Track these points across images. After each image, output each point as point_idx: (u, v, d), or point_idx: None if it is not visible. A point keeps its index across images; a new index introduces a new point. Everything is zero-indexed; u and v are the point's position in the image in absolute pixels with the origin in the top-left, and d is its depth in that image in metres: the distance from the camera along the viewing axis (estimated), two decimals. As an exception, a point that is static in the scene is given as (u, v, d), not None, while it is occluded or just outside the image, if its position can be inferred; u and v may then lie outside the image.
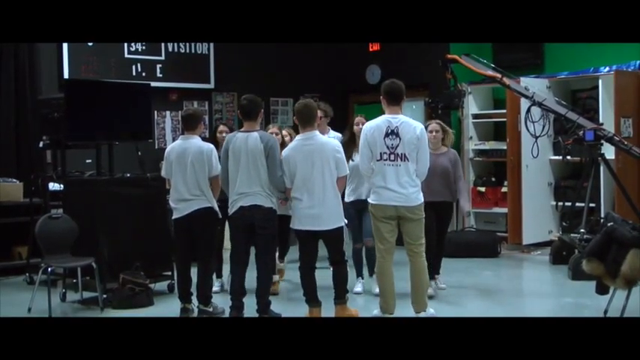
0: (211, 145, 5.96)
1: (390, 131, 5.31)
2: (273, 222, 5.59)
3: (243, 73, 10.22)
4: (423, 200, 5.43)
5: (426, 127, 6.07)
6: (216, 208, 5.91)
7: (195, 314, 5.91)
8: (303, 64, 10.61)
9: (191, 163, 5.78)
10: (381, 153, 5.32)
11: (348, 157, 5.92)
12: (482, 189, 9.27)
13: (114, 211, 6.70)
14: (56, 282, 6.75)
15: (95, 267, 6.28)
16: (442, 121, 6.86)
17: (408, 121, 5.41)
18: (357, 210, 6.30)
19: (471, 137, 9.34)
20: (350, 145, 6.24)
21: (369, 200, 5.49)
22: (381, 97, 5.50)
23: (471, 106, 9.28)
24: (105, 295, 6.39)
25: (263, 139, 5.49)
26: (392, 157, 5.31)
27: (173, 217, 5.95)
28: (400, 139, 5.28)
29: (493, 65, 8.00)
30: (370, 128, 5.41)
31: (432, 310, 5.54)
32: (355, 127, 6.32)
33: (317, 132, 5.58)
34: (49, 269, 6.19)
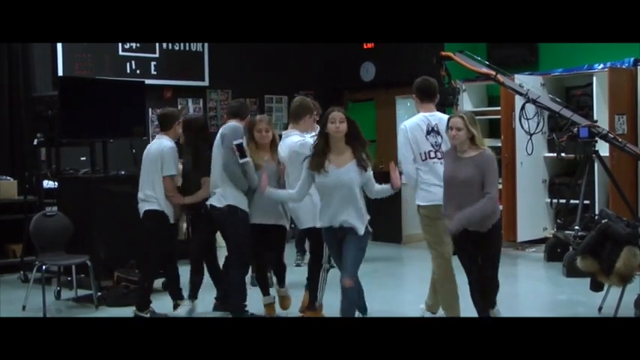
0: (170, 144, 5.76)
1: (430, 129, 5.15)
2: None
3: (237, 70, 10.20)
4: None
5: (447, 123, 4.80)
6: (167, 212, 5.72)
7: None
8: (297, 61, 10.60)
9: (148, 163, 5.75)
10: (426, 152, 5.12)
11: (320, 166, 4.66)
12: (477, 186, 9.27)
13: (108, 208, 6.69)
14: (51, 280, 6.75)
15: (90, 265, 6.28)
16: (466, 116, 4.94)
17: (445, 118, 5.17)
18: (337, 239, 4.81)
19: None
20: (323, 150, 4.71)
21: (419, 202, 5.18)
22: (414, 95, 5.33)
23: (466, 103, 9.30)
24: (99, 293, 6.39)
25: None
26: (438, 154, 5.11)
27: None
28: (441, 136, 5.12)
29: (487, 62, 8.01)
30: (409, 127, 5.17)
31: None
32: (331, 126, 4.64)
33: (294, 130, 5.65)
34: (44, 267, 6.18)
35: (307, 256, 6.46)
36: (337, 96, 11.06)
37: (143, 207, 5.73)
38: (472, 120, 4.68)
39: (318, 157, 4.69)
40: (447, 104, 8.47)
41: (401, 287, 7.30)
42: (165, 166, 5.64)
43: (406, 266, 8.62)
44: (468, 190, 4.62)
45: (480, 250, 4.75)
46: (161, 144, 5.73)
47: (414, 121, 5.22)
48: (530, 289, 7.07)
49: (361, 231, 4.69)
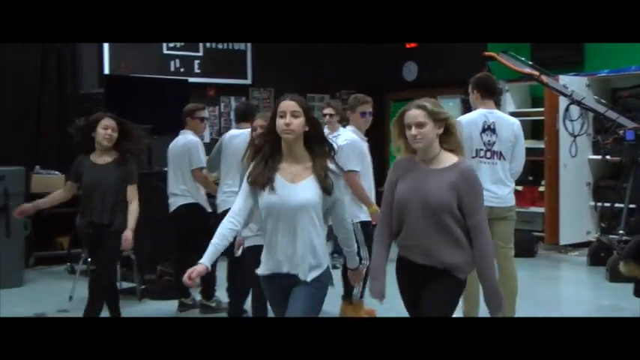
0: (195, 139, 6.01)
1: (486, 127, 5.02)
2: None
3: (280, 68, 10.26)
4: (515, 201, 5.15)
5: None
6: (202, 203, 5.96)
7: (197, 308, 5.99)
8: (339, 59, 10.62)
9: (176, 158, 6.00)
10: (477, 150, 5.01)
11: (265, 179, 3.33)
12: (520, 188, 9.17)
13: (152, 203, 6.79)
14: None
15: (133, 258, 6.39)
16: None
17: (505, 117, 5.13)
18: (282, 289, 3.39)
19: (508, 136, 9.25)
20: (270, 156, 3.39)
21: None
22: (473, 90, 5.20)
23: (509, 104, 9.21)
24: (143, 286, 6.49)
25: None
26: (488, 154, 5.01)
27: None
28: (497, 135, 5.00)
29: (531, 63, 7.93)
30: (466, 122, 5.01)
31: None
32: (279, 122, 3.32)
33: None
34: (89, 259, 6.31)
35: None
36: (379, 95, 11.05)
37: (177, 202, 5.90)
38: (438, 107, 3.34)
39: (262, 165, 3.33)
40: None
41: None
42: (194, 159, 5.85)
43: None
44: (435, 222, 3.25)
45: (427, 294, 3.36)
46: (186, 139, 5.97)
47: (472, 117, 5.12)
48: (573, 294, 6.99)
49: (315, 277, 3.29)
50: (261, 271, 3.38)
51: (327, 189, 3.28)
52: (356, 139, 5.52)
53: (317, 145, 3.36)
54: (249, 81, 10.24)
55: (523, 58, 7.97)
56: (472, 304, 5.15)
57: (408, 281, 3.43)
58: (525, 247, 8.30)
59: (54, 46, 8.46)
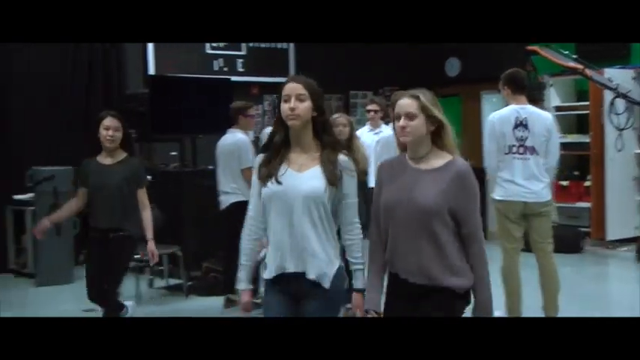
0: (244, 137, 6.05)
1: (519, 122, 5.02)
2: None
3: (323, 66, 10.28)
4: (551, 196, 5.11)
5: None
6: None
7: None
8: (382, 56, 10.62)
9: (225, 157, 6.04)
10: (509, 146, 5.02)
11: (271, 172, 3.08)
12: (565, 183, 9.09)
13: (197, 201, 6.90)
14: (144, 269, 7.02)
15: (180, 255, 6.50)
16: None
17: (537, 112, 5.12)
18: (291, 297, 3.08)
19: (553, 130, 9.15)
20: (280, 147, 3.12)
21: (494, 196, 5.16)
22: (504, 87, 5.19)
23: (553, 98, 9.11)
24: (189, 283, 6.60)
25: None
26: (521, 149, 5.01)
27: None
28: (529, 130, 5.00)
29: (575, 56, 7.83)
30: (498, 119, 5.08)
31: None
32: (284, 107, 3.02)
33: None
34: (137, 256, 6.44)
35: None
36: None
37: (228, 199, 5.94)
38: (434, 103, 2.97)
39: (270, 157, 3.08)
40: (533, 99, 8.34)
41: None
42: (243, 158, 5.89)
43: (491, 264, 8.51)
44: (423, 228, 2.86)
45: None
46: (235, 137, 6.00)
47: (504, 113, 5.12)
48: (620, 291, 6.88)
49: (327, 284, 2.96)
50: (267, 274, 3.05)
51: (332, 180, 2.94)
52: (392, 135, 5.52)
53: (325, 134, 3.04)
54: (291, 79, 10.29)
55: (567, 52, 7.86)
56: (514, 300, 5.15)
57: (395, 303, 2.99)
58: (571, 243, 8.22)
59: (101, 47, 8.64)
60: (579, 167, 9.12)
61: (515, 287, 5.15)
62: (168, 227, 6.67)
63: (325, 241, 2.97)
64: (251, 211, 3.13)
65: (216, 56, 9.64)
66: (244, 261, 3.11)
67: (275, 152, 3.06)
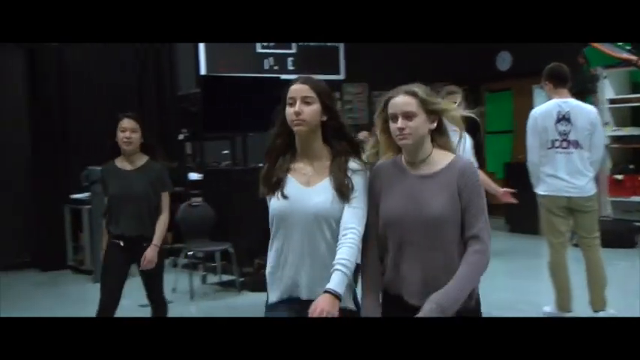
0: None
1: (561, 116, 4.99)
2: None
3: (373, 62, 10.31)
4: (596, 190, 5.07)
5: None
6: None
7: None
8: (432, 51, 10.58)
9: None
10: (552, 140, 5.00)
11: (275, 184, 2.79)
12: (620, 177, 8.92)
13: (249, 199, 6.98)
14: (197, 265, 7.15)
15: (232, 252, 6.61)
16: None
17: (580, 105, 5.07)
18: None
19: (607, 123, 8.98)
20: (284, 154, 2.80)
21: (538, 191, 5.14)
22: (545, 81, 5.17)
23: (607, 90, 8.94)
24: (242, 279, 6.71)
25: None
26: (564, 144, 4.98)
27: None
28: (572, 124, 4.97)
29: (629, 48, 7.69)
30: (540, 114, 5.07)
31: (612, 311, 5.01)
32: (289, 111, 2.72)
33: None
34: (190, 253, 6.58)
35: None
36: (473, 86, 10.95)
37: None
38: (430, 95, 2.63)
39: (273, 166, 2.75)
40: (586, 92, 8.22)
41: (536, 283, 7.17)
42: None
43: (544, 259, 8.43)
44: (435, 239, 2.54)
45: None
46: None
47: (546, 108, 5.10)
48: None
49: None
50: (272, 298, 2.73)
51: (343, 192, 2.61)
52: None
53: (336, 140, 2.69)
54: (342, 76, 10.34)
55: (620, 43, 7.73)
56: (564, 296, 5.11)
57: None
58: (625, 238, 8.09)
59: (152, 47, 8.82)
60: (634, 161, 8.94)
61: (564, 282, 5.11)
62: (221, 224, 6.79)
63: (333, 253, 2.60)
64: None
65: (267, 55, 9.74)
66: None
67: (276, 161, 2.73)
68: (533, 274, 7.35)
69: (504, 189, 5.38)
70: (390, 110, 2.59)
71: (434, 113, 2.59)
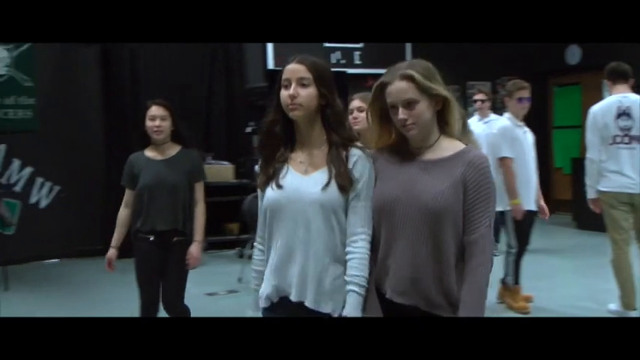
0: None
1: (621, 112, 4.98)
2: None
3: (439, 56, 10.19)
4: None
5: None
6: None
7: None
8: (499, 45, 10.48)
9: None
10: (613, 136, 4.98)
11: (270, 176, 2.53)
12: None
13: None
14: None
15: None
16: None
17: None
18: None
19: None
20: (279, 142, 2.55)
21: (599, 187, 5.10)
22: (606, 79, 5.22)
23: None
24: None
25: None
26: (626, 139, 4.95)
27: None
28: (633, 119, 4.93)
29: None
30: (599, 110, 5.07)
31: None
32: (283, 94, 2.45)
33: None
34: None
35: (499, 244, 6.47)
36: (542, 80, 10.80)
37: None
38: (430, 75, 2.38)
39: (270, 155, 2.51)
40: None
41: (603, 281, 7.06)
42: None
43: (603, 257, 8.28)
44: (427, 233, 2.27)
45: None
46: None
47: (605, 104, 5.08)
48: None
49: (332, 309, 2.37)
50: (263, 302, 2.47)
51: (342, 185, 2.35)
52: (508, 125, 5.50)
53: (335, 126, 2.44)
54: (407, 70, 10.32)
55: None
56: (628, 293, 5.03)
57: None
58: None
59: (222, 45, 9.00)
60: None
61: (628, 279, 5.04)
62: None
63: (337, 261, 2.37)
64: (259, 229, 2.55)
65: (334, 49, 9.81)
66: (254, 285, 2.54)
67: (273, 149, 2.50)
68: (601, 271, 7.22)
69: (543, 204, 5.45)
70: (389, 99, 2.33)
71: (436, 96, 2.33)
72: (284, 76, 2.43)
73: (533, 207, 5.50)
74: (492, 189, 2.30)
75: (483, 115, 6.66)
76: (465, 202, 2.26)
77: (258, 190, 2.53)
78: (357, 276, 2.33)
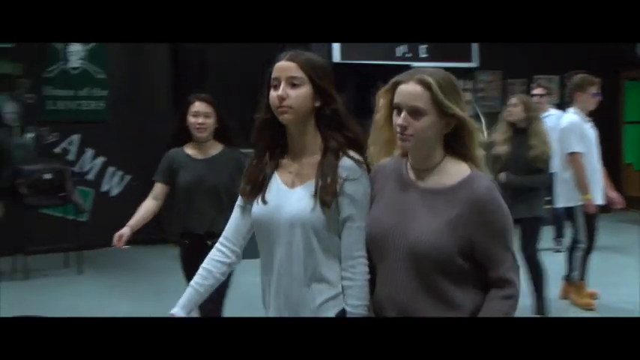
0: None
1: None
2: None
3: (507, 50, 10.12)
4: None
5: None
6: None
7: None
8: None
9: None
10: None
11: (256, 186, 2.29)
12: None
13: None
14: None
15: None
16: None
17: None
18: None
19: None
20: (270, 148, 2.31)
21: None
22: None
23: None
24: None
25: None
26: None
27: None
28: None
29: None
30: None
31: None
32: (272, 95, 2.21)
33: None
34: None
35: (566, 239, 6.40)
36: (612, 74, 10.55)
37: None
38: (450, 91, 2.05)
39: (257, 162, 2.28)
40: None
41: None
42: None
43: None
44: (420, 279, 2.04)
45: None
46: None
47: None
48: None
49: None
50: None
51: (324, 199, 2.11)
52: (576, 120, 5.45)
53: (331, 131, 2.18)
54: (475, 64, 10.24)
55: None
56: None
57: None
58: None
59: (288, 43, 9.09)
60: None
61: None
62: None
63: (323, 282, 2.16)
64: (227, 230, 2.36)
65: (400, 43, 9.79)
66: (195, 280, 2.33)
67: (261, 155, 2.26)
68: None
69: (614, 194, 5.34)
70: (396, 99, 2.07)
71: (449, 116, 2.04)
72: (273, 75, 2.18)
73: (600, 201, 5.47)
74: (505, 216, 2.04)
75: (542, 110, 6.58)
76: (477, 240, 2.01)
77: (240, 197, 2.30)
78: (359, 306, 2.15)
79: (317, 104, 2.17)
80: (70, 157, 8.56)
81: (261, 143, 2.26)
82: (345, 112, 2.21)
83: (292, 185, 2.20)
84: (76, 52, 8.52)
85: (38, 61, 8.26)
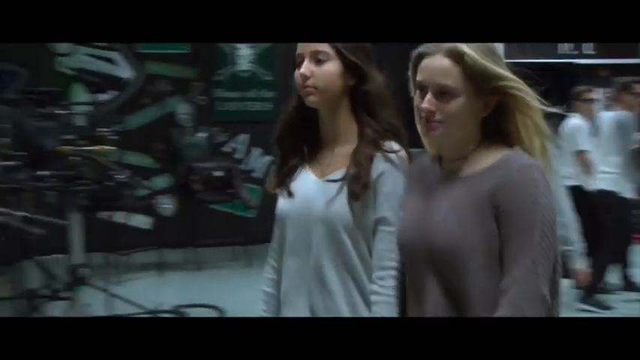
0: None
1: None
2: None
3: None
4: None
5: None
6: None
7: None
8: None
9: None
10: None
11: (283, 176, 2.02)
12: None
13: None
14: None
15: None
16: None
17: None
18: None
19: None
20: (297, 136, 2.03)
21: None
22: None
23: None
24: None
25: None
26: None
27: None
28: None
29: None
30: None
31: None
32: (297, 75, 1.91)
33: None
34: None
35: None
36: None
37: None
38: (490, 55, 1.60)
39: (287, 152, 2.00)
40: None
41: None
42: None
43: None
44: (447, 285, 1.63)
45: None
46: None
47: None
48: None
49: None
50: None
51: (353, 192, 1.81)
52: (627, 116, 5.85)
53: (368, 116, 1.86)
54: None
55: None
56: None
57: None
58: None
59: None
60: None
61: None
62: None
63: (353, 289, 1.85)
64: (274, 242, 2.04)
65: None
66: (262, 311, 2.06)
67: (291, 144, 1.98)
68: None
69: None
70: (419, 76, 1.64)
71: (491, 90, 1.59)
72: (297, 51, 1.87)
73: None
74: (534, 204, 1.53)
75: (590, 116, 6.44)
76: (499, 233, 1.56)
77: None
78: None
79: (350, 83, 1.86)
80: (239, 155, 8.96)
81: (292, 132, 1.96)
82: (385, 93, 1.87)
83: (322, 175, 1.90)
84: (244, 56, 8.96)
85: (210, 65, 8.77)
